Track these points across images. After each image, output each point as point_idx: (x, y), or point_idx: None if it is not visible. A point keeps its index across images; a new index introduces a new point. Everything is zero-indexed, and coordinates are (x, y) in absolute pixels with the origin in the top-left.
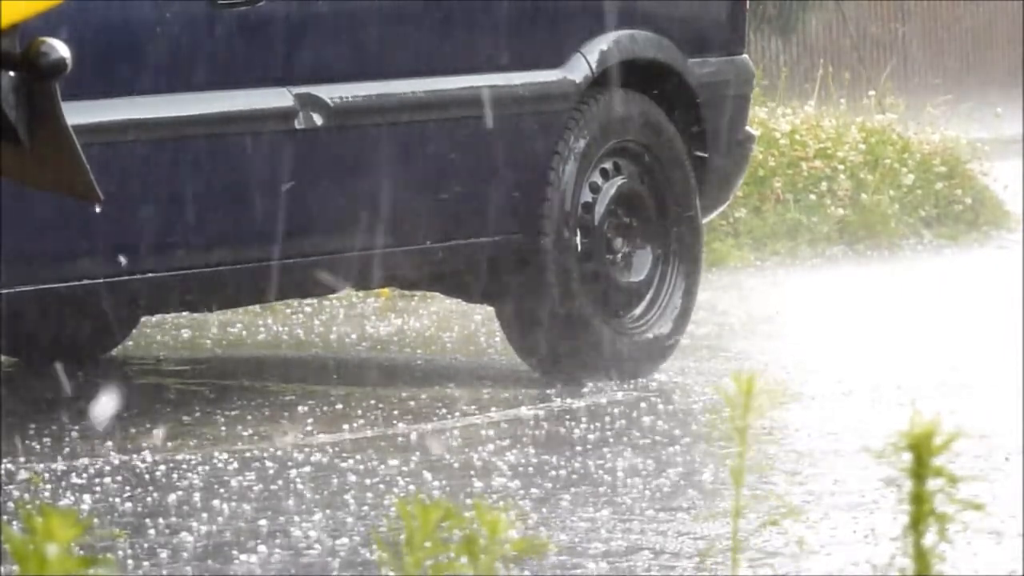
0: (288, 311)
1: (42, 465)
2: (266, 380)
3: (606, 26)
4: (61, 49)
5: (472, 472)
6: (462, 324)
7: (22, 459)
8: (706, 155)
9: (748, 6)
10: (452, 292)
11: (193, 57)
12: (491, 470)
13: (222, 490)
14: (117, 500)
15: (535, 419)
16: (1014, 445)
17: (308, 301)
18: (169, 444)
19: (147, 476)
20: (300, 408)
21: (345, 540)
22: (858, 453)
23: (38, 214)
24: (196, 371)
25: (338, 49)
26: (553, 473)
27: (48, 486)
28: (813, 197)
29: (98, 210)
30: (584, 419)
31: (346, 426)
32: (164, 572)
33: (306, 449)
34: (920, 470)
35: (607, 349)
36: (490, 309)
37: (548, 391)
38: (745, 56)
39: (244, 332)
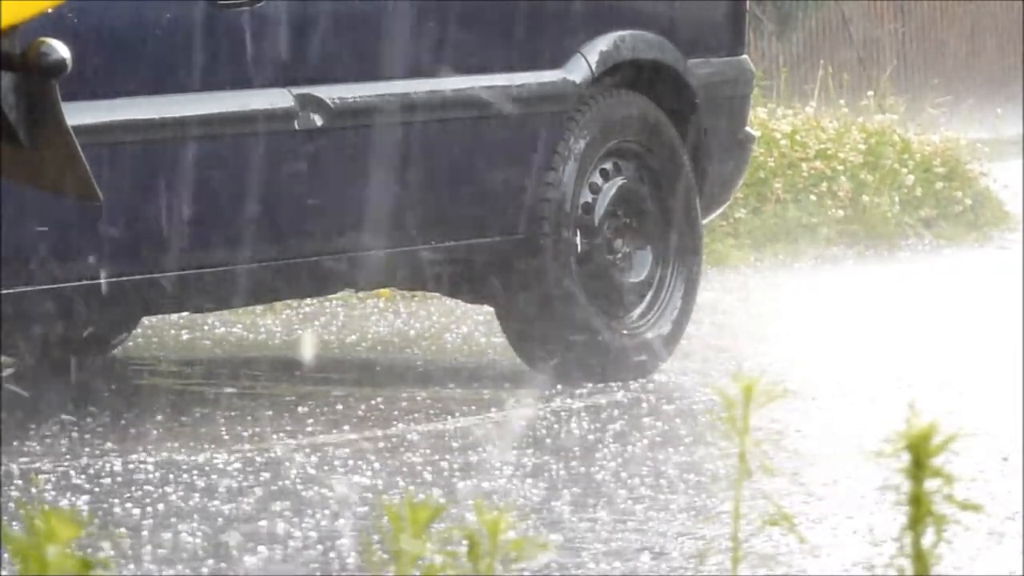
0: (288, 311)
1: (42, 465)
2: (266, 380)
3: (606, 26)
4: (61, 49)
5: (472, 472)
6: (462, 324)
7: (22, 459)
8: (706, 156)
9: (748, 6)
10: (452, 293)
11: (193, 57)
12: (491, 470)
13: (222, 490)
14: (117, 500)
15: (535, 419)
16: (1013, 445)
17: (308, 301)
18: (169, 444)
19: (147, 476)
20: (300, 408)
21: (345, 540)
22: (857, 453)
23: (38, 214)
24: (196, 372)
25: (338, 49)
26: (553, 473)
27: (48, 486)
28: (813, 198)
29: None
30: (584, 419)
31: (346, 426)
32: (164, 572)
33: (306, 449)
34: (918, 471)
35: (607, 349)
36: (490, 309)
37: (548, 391)
38: (745, 56)
39: (244, 332)
